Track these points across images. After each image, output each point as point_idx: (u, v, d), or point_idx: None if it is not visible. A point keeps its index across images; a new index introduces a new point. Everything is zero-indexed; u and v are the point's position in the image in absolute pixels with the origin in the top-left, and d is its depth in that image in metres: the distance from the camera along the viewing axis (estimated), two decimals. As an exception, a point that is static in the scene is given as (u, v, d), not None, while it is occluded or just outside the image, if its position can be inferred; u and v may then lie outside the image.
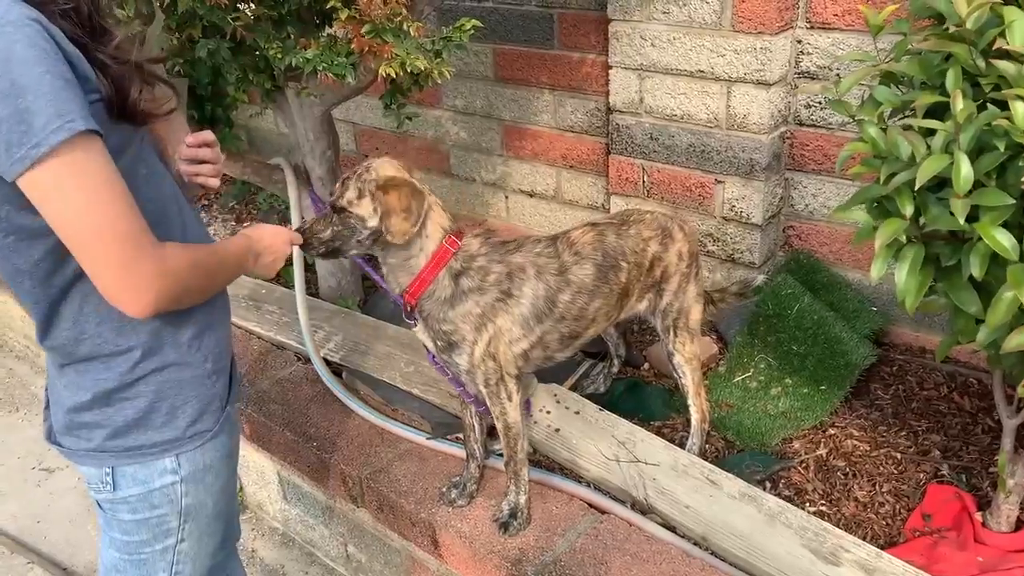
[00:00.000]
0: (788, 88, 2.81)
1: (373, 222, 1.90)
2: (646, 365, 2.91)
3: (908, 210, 1.46)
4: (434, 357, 2.10)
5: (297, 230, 1.96)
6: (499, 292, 2.02)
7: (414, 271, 1.97)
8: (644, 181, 3.11)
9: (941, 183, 1.50)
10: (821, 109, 2.79)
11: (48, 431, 1.57)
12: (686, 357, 2.38)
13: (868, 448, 2.44)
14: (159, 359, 1.45)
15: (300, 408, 2.72)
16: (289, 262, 2.55)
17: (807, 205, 2.94)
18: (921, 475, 2.33)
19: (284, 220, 4.15)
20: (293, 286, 3.03)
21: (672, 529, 2.19)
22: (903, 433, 2.49)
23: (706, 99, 2.84)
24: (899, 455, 2.40)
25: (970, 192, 1.37)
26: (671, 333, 2.36)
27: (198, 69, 2.42)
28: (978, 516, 2.14)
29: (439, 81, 2.32)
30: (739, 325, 2.86)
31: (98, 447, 1.47)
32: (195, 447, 1.50)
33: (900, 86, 1.71)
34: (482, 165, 3.76)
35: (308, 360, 2.91)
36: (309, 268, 3.33)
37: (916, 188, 1.37)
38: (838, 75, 2.72)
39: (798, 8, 2.72)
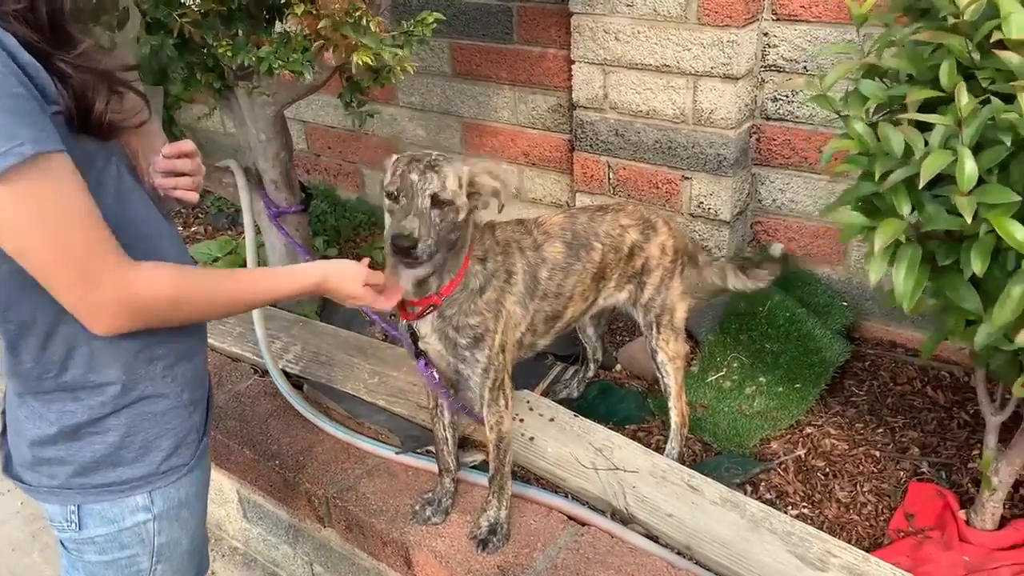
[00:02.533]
0: (755, 82, 2.76)
1: (463, 214, 1.81)
2: (618, 367, 2.84)
3: (905, 209, 1.41)
4: (425, 364, 1.98)
5: (406, 245, 1.71)
6: (505, 272, 1.98)
7: (457, 265, 1.88)
8: (610, 178, 3.04)
9: (934, 180, 1.45)
10: (788, 103, 2.75)
11: (6, 461, 1.45)
12: (669, 355, 2.31)
13: (847, 447, 2.41)
14: (134, 393, 1.35)
15: (259, 424, 2.59)
16: None
17: (775, 200, 2.90)
18: (901, 473, 2.30)
19: (233, 224, 4.00)
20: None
21: (654, 539, 2.12)
22: (880, 430, 2.46)
23: (672, 94, 2.78)
24: (878, 453, 2.37)
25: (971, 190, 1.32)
26: (654, 329, 2.30)
27: (142, 69, 2.27)
28: (961, 514, 2.12)
29: (402, 77, 2.21)
30: (710, 323, 2.81)
31: (62, 484, 1.36)
32: (170, 483, 1.40)
33: (884, 80, 1.65)
34: (440, 164, 3.65)
35: (266, 373, 2.77)
36: (263, 275, 3.19)
37: (920, 186, 1.31)
38: (805, 68, 2.68)
39: (764, 0, 2.67)
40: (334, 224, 3.87)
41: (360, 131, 3.85)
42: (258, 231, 2.98)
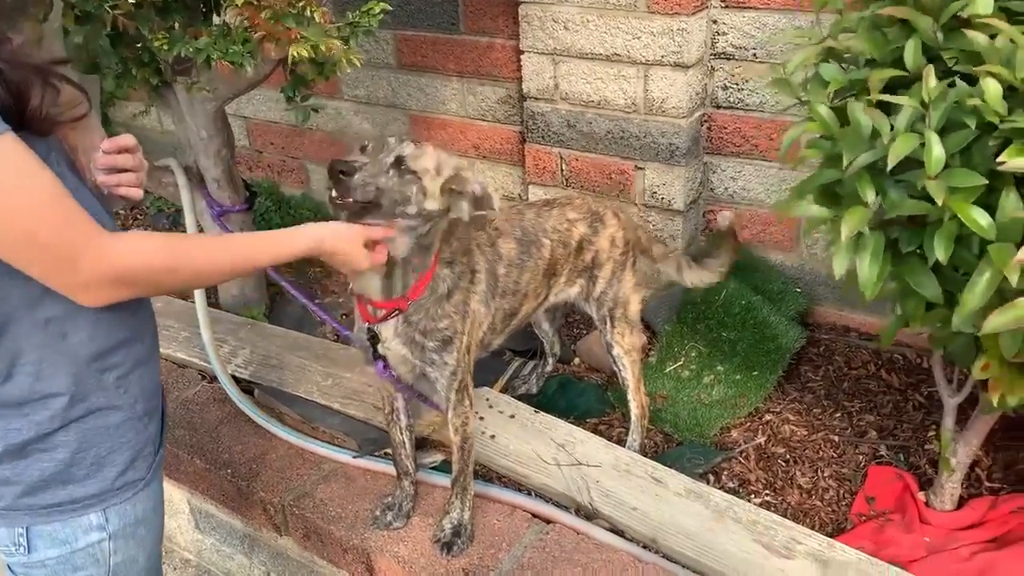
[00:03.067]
0: (705, 70, 2.75)
1: (432, 204, 1.71)
2: (576, 360, 2.81)
3: (870, 196, 1.40)
4: (384, 366, 1.91)
5: (341, 168, 1.59)
6: (469, 272, 1.93)
7: (425, 267, 1.81)
8: (562, 170, 3.00)
9: (896, 165, 1.44)
10: (738, 91, 2.74)
11: None
12: (625, 349, 2.29)
13: (806, 433, 2.42)
14: (84, 405, 1.28)
15: (209, 432, 2.50)
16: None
17: (726, 188, 2.90)
18: (860, 457, 2.32)
19: (174, 225, 3.87)
20: (192, 297, 2.79)
21: (620, 533, 2.10)
22: (838, 415, 2.47)
23: (623, 83, 2.75)
24: (837, 438, 2.39)
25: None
26: (608, 323, 2.28)
27: (74, 64, 2.16)
28: (920, 496, 2.14)
29: (347, 69, 2.14)
30: (667, 313, 2.80)
31: (9, 506, 1.29)
32: (125, 499, 1.33)
33: (843, 64, 1.64)
34: (388, 158, 3.58)
35: (214, 378, 2.68)
36: (208, 276, 3.07)
37: (888, 169, 1.30)
38: (755, 55, 2.67)
39: (712, -13, 2.66)
40: (279, 222, 3.76)
41: (304, 126, 3.75)
42: (201, 231, 2.88)
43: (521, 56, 2.91)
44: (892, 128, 1.39)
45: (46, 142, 1.19)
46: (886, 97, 1.39)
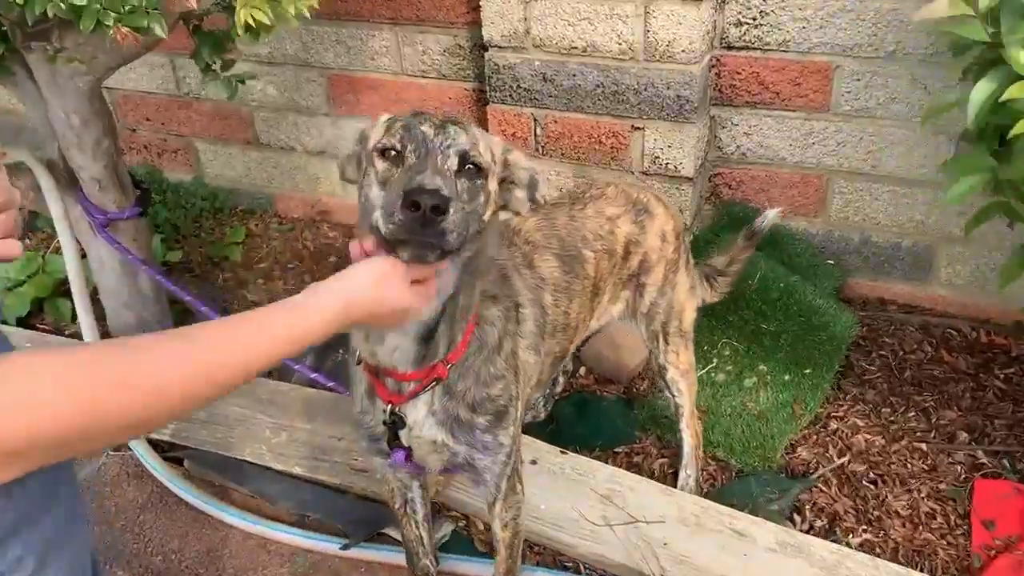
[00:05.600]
0: (715, 3, 2.23)
1: (488, 211, 1.17)
2: (582, 369, 2.30)
3: None
4: (407, 457, 1.32)
5: (434, 203, 0.99)
6: (514, 308, 1.38)
7: (469, 308, 1.25)
8: (537, 134, 2.44)
9: None
10: (755, 27, 2.25)
11: None
12: (682, 370, 1.80)
13: (883, 442, 2.01)
14: None
15: (129, 523, 1.86)
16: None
17: (739, 147, 2.43)
18: (958, 467, 1.94)
19: (31, 231, 3.06)
20: (78, 326, 2.10)
21: (709, 611, 1.64)
22: (912, 414, 2.08)
23: (617, 23, 2.20)
24: (923, 446, 1.99)
25: None
26: (659, 341, 1.77)
27: None
28: (1053, 516, 1.78)
29: (296, 23, 1.51)
30: (685, 304, 2.32)
31: None
32: None
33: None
34: (302, 129, 2.91)
35: (122, 446, 2.02)
36: (93, 300, 2.34)
37: None
38: (775, -18, 2.18)
39: (722, -102, 2.13)
40: (167, 216, 3.04)
41: (188, 95, 3.02)
42: (83, 254, 2.17)
43: (481, -6, 2.31)
44: None
45: None
46: None
